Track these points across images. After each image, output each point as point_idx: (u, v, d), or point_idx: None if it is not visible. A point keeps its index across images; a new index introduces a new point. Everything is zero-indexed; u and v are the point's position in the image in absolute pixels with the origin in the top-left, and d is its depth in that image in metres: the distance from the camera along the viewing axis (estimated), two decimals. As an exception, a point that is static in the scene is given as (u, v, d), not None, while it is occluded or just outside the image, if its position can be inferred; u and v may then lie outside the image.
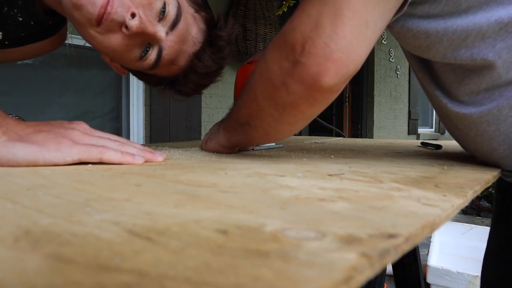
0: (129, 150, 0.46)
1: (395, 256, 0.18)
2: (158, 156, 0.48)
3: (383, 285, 0.78)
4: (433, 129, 6.34)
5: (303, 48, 0.40)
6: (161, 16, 0.55)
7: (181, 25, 0.57)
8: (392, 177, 0.38)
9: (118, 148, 0.45)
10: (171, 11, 0.55)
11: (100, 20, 0.51)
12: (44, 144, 0.41)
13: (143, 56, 0.57)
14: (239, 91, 0.78)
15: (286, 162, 0.51)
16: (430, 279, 2.06)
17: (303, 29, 0.40)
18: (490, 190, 3.83)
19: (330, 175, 0.39)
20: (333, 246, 0.17)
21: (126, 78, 2.17)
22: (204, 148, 0.64)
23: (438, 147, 0.81)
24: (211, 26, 0.63)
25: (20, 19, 0.56)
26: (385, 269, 0.80)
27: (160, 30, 0.55)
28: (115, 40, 0.54)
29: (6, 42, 0.62)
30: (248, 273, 0.14)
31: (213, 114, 2.52)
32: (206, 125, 2.47)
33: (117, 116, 2.18)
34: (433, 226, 0.23)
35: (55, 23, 0.65)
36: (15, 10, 0.55)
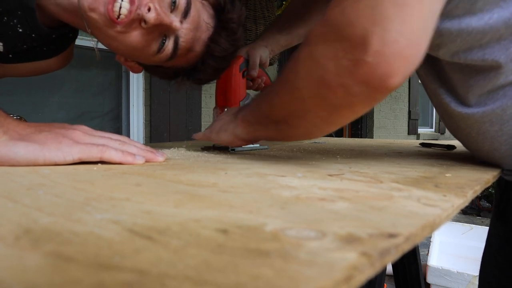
0: (130, 150, 0.46)
1: (395, 255, 0.18)
2: (159, 156, 0.48)
3: (383, 285, 0.78)
4: (433, 129, 6.34)
5: (368, 46, 0.35)
6: (172, 7, 0.56)
7: (192, 13, 0.59)
8: (392, 177, 0.38)
9: (119, 147, 0.45)
10: (181, 0, 0.57)
11: (111, 17, 0.52)
12: (45, 143, 0.41)
13: (160, 48, 0.58)
14: (222, 89, 0.76)
15: (286, 162, 0.51)
16: (430, 279, 2.06)
17: (364, 23, 0.35)
18: (490, 190, 3.83)
19: (330, 175, 0.39)
20: (334, 246, 0.17)
21: (126, 78, 2.17)
22: (215, 138, 0.60)
23: (451, 147, 0.77)
24: (219, 11, 0.64)
25: (20, 30, 0.56)
26: (385, 269, 0.80)
27: (175, 20, 0.57)
28: (135, 37, 0.56)
29: (10, 56, 0.62)
30: (249, 272, 0.14)
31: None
32: (206, 125, 2.47)
33: (117, 116, 2.18)
34: (433, 226, 0.23)
35: (59, 37, 0.65)
36: (15, 21, 0.55)
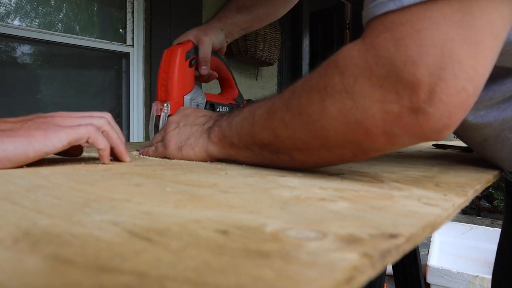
0: (112, 135, 0.46)
1: (396, 256, 0.18)
2: (128, 156, 0.47)
3: (383, 285, 0.78)
4: (433, 129, 6.33)
5: (431, 93, 0.28)
6: None
7: None
8: (392, 177, 0.38)
9: (103, 125, 0.45)
10: None
11: None
12: (30, 135, 0.40)
13: None
14: (164, 79, 0.62)
15: (286, 162, 0.51)
16: (430, 279, 2.07)
17: (429, 63, 0.27)
18: (490, 190, 3.83)
19: (330, 174, 0.39)
20: (334, 246, 0.17)
21: (126, 78, 2.17)
22: (176, 155, 0.49)
23: (469, 149, 0.72)
24: None
25: None
26: (385, 269, 0.80)
27: None
28: None
29: None
30: (249, 273, 0.14)
31: (213, 114, 2.52)
32: (206, 125, 2.47)
33: (117, 116, 2.18)
34: (434, 226, 0.23)
35: None
36: None
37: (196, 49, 0.65)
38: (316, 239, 0.18)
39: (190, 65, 0.64)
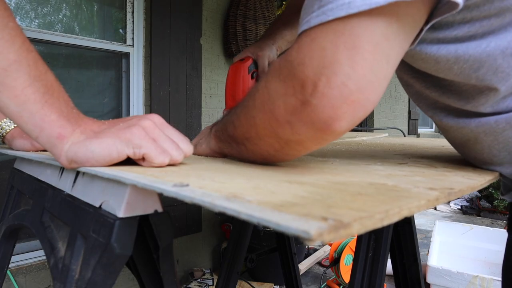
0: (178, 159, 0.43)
1: (454, 196, 0.34)
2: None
3: (383, 285, 0.78)
4: (433, 129, 6.35)
5: (315, 87, 0.34)
6: None
7: None
8: (442, 164, 0.54)
9: (178, 158, 0.43)
10: None
11: None
12: (117, 136, 0.40)
13: None
14: (231, 90, 0.76)
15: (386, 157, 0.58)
16: (430, 279, 2.07)
17: (315, 64, 0.34)
18: (490, 190, 3.84)
19: (399, 164, 0.53)
20: (424, 191, 0.32)
21: (126, 78, 2.17)
22: (194, 152, 0.60)
23: None
24: None
25: None
26: (385, 268, 0.80)
27: None
28: None
29: None
30: (386, 205, 0.26)
31: (213, 114, 2.52)
32: (206, 125, 2.48)
33: (117, 116, 2.18)
34: (474, 187, 0.40)
35: None
36: None
37: (255, 63, 0.78)
38: (415, 187, 0.34)
39: (252, 77, 0.77)
